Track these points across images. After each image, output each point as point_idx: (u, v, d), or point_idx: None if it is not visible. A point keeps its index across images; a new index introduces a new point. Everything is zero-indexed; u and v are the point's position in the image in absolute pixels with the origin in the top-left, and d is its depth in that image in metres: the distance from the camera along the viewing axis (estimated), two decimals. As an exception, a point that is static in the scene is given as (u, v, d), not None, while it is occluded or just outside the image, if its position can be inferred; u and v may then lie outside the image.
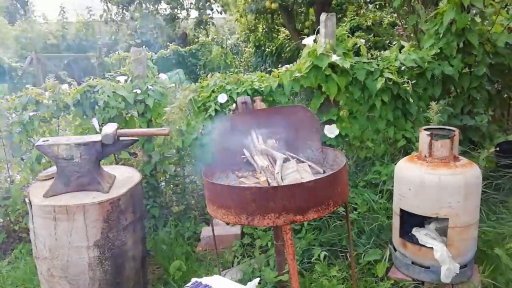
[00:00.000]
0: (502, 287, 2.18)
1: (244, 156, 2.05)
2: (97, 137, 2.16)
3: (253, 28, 11.14)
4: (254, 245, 2.74)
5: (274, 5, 7.98)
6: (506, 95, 3.72)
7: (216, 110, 2.95)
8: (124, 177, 2.34)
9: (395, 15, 6.08)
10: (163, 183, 3.32)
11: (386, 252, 2.39)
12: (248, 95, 2.91)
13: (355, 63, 3.03)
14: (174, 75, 9.61)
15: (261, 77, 3.20)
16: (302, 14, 9.04)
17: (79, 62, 11.02)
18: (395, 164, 2.41)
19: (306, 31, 8.07)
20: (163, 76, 3.36)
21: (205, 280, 1.69)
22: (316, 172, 1.93)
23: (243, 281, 2.33)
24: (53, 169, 2.27)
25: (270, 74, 3.22)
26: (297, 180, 1.78)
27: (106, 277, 2.13)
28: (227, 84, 3.06)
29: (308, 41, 3.02)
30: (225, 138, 2.06)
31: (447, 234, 2.13)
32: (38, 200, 2.07)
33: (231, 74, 3.24)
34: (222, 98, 2.96)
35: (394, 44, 3.84)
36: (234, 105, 2.91)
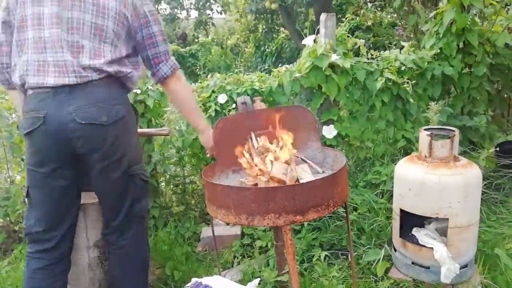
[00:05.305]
0: (502, 288, 2.18)
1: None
2: (97, 137, 2.16)
3: (253, 28, 11.15)
4: (254, 245, 2.73)
5: (274, 5, 7.99)
6: (506, 95, 3.72)
7: (216, 111, 2.95)
8: (124, 177, 2.34)
9: (395, 15, 6.08)
10: (163, 183, 3.31)
11: (382, 252, 2.39)
12: (248, 95, 2.91)
13: (355, 63, 3.03)
14: (174, 75, 9.59)
15: (261, 77, 3.20)
16: (302, 14, 9.04)
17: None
18: (395, 164, 2.41)
19: (306, 31, 8.09)
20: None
21: (205, 280, 1.69)
22: (316, 172, 1.92)
23: (243, 282, 2.33)
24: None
25: (270, 74, 3.22)
26: (297, 180, 1.78)
27: (106, 278, 2.13)
28: (227, 85, 3.06)
29: (308, 41, 3.02)
30: (225, 139, 2.06)
31: (447, 234, 2.13)
32: (38, 200, 2.06)
33: (231, 75, 3.24)
34: (222, 98, 2.96)
35: (395, 44, 3.84)
36: (234, 105, 2.91)
